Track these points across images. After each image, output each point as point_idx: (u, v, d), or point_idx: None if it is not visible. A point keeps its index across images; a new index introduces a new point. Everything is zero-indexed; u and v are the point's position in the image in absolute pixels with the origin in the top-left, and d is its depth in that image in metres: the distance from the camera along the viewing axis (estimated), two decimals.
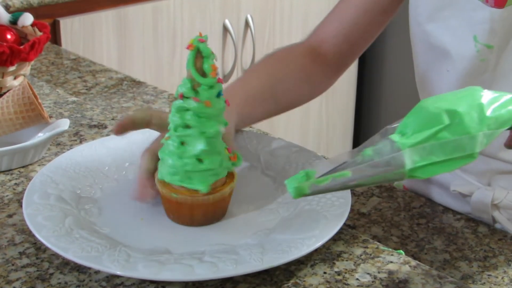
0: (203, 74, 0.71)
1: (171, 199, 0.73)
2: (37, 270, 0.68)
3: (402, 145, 0.60)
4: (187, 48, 0.70)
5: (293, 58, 0.98)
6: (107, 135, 0.97)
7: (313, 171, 0.61)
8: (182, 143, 0.72)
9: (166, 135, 0.73)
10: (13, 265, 0.69)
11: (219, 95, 0.72)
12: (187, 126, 0.71)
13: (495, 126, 0.62)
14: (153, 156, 0.75)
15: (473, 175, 0.95)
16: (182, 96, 0.71)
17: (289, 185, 0.62)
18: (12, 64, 1.03)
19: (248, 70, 0.97)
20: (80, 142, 0.95)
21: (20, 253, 0.71)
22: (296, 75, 0.96)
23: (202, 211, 0.73)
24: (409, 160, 0.60)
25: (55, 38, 1.63)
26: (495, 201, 0.92)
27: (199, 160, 0.72)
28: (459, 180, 0.95)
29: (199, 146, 0.71)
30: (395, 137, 0.61)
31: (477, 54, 0.86)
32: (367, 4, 0.96)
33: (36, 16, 1.16)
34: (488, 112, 0.62)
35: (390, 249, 0.71)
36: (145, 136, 0.88)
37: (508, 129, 0.66)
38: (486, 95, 0.63)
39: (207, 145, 0.71)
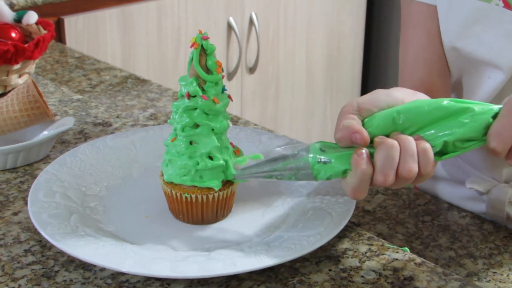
0: (208, 71, 0.71)
1: (182, 200, 0.73)
2: (43, 268, 0.68)
3: (311, 145, 0.69)
4: (191, 47, 0.70)
5: None
6: (112, 133, 0.97)
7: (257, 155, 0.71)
8: (190, 143, 0.72)
9: (171, 137, 0.73)
10: (18, 262, 0.69)
11: (223, 90, 0.72)
12: (195, 125, 0.71)
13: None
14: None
15: (489, 173, 0.94)
16: (189, 96, 0.71)
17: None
18: (16, 62, 1.03)
19: None
20: (85, 140, 0.95)
21: (25, 250, 0.71)
22: None
23: (213, 208, 0.73)
24: (314, 151, 0.67)
25: (60, 36, 1.64)
26: None
27: (210, 158, 0.72)
28: (474, 177, 0.95)
29: (211, 143, 0.71)
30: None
31: None
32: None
33: (40, 14, 1.17)
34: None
35: (395, 247, 0.71)
36: (148, 134, 0.88)
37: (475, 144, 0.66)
38: None
39: (217, 141, 0.71)
